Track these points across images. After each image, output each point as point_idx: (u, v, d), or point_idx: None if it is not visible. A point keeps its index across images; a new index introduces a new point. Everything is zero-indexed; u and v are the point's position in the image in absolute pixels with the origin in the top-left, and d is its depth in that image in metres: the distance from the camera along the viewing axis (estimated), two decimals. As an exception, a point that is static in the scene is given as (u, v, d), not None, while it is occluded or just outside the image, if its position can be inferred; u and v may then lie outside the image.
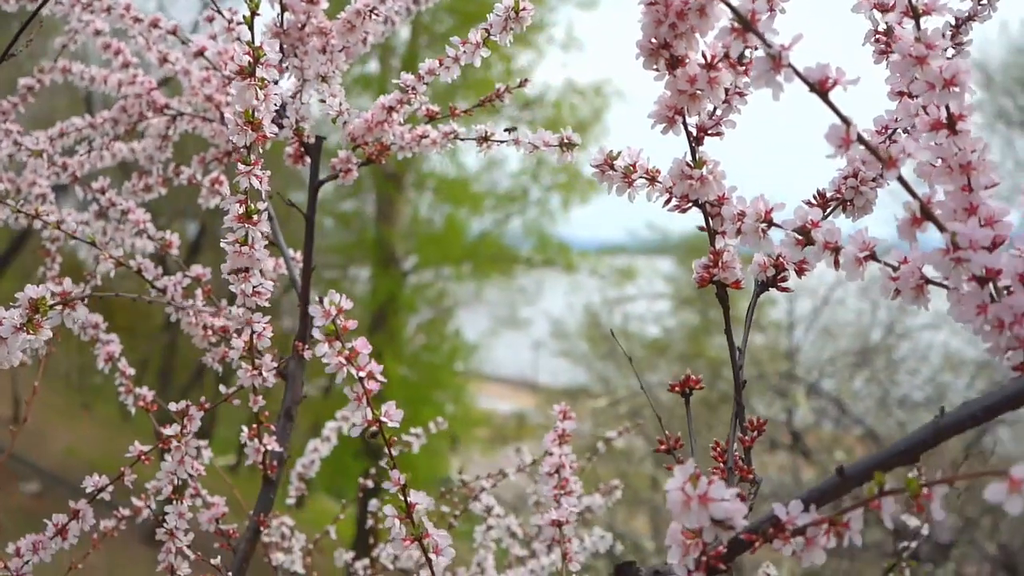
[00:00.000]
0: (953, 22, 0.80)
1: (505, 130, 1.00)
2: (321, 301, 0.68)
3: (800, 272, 0.74)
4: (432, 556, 0.71)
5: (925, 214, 0.56)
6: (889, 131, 0.75)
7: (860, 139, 0.55)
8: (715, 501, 0.54)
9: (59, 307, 0.71)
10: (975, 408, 0.54)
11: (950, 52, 0.78)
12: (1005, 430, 6.05)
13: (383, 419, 0.69)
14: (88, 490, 0.98)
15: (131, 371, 1.16)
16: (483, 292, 11.84)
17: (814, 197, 0.76)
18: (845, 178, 0.75)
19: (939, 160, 0.61)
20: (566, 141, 0.92)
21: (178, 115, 1.28)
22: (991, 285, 0.57)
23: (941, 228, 0.56)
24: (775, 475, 7.37)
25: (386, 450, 0.71)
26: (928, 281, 0.60)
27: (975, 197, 0.59)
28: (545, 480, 1.05)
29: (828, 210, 0.75)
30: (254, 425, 1.04)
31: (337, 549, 1.50)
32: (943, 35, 0.79)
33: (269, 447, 1.04)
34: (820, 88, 0.55)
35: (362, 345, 0.69)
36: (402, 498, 0.71)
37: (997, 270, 0.56)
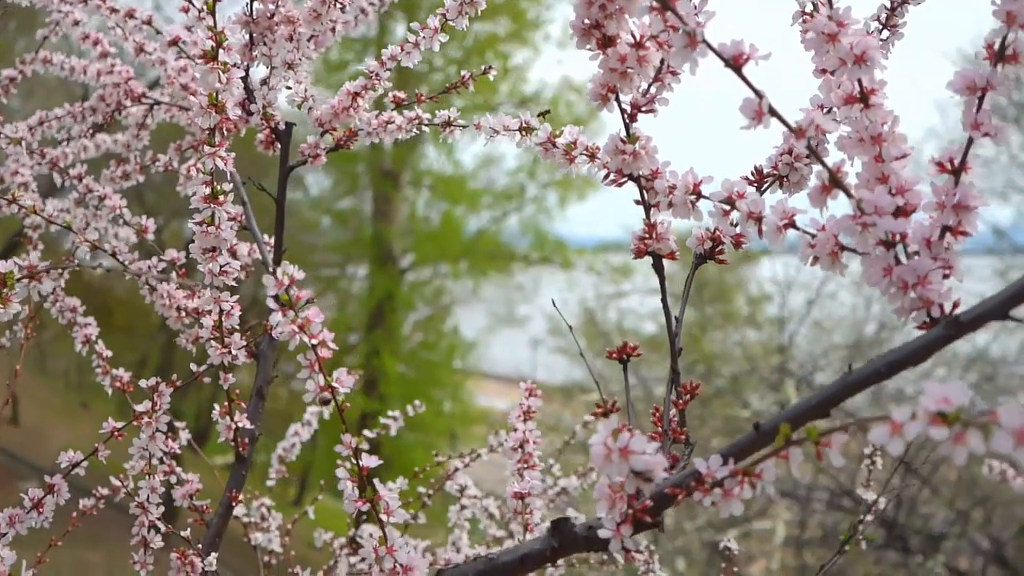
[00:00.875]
0: (889, 4, 0.83)
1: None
2: (275, 273, 0.71)
3: (737, 245, 0.77)
4: (383, 517, 0.74)
5: (834, 182, 0.60)
6: (824, 109, 0.78)
7: (772, 111, 0.59)
8: (635, 454, 0.57)
9: (26, 280, 0.74)
10: (879, 364, 0.57)
11: (885, 34, 0.82)
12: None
13: (335, 385, 0.72)
14: (63, 465, 1.02)
15: (108, 353, 1.19)
16: (480, 289, 11.88)
17: (751, 173, 0.79)
18: (781, 154, 0.78)
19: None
20: (525, 126, 0.95)
21: (155, 104, 1.31)
22: (899, 249, 0.60)
23: (849, 195, 0.59)
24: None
25: (340, 416, 0.74)
26: (843, 248, 0.63)
27: (886, 167, 0.62)
28: (509, 454, 1.09)
29: (764, 185, 0.78)
30: (225, 403, 1.07)
31: (316, 530, 1.53)
32: (878, 18, 0.83)
33: (240, 424, 1.08)
34: (735, 63, 0.58)
35: (315, 314, 0.72)
36: (354, 461, 0.74)
37: (903, 234, 0.59)
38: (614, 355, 0.76)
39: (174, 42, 1.19)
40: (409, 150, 11.27)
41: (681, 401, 0.71)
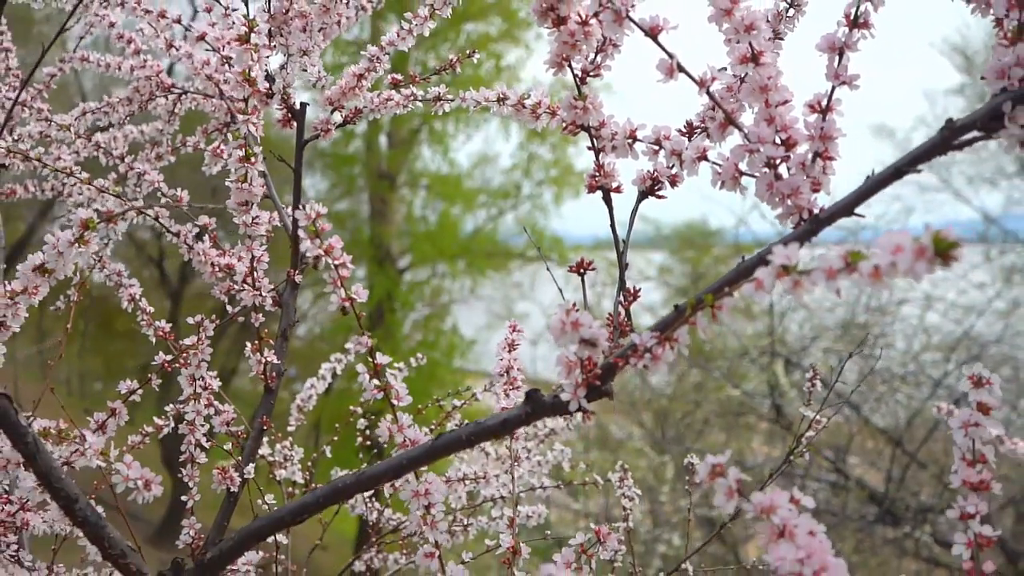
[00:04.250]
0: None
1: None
2: (304, 207, 0.90)
3: (673, 184, 0.96)
4: (394, 402, 0.93)
5: (728, 120, 0.79)
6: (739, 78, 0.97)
7: (680, 68, 0.78)
8: (583, 326, 0.76)
9: (104, 223, 0.93)
10: (763, 253, 0.76)
11: (791, 12, 1.01)
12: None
13: (354, 296, 0.91)
14: (122, 392, 1.20)
15: (151, 309, 1.38)
16: (478, 288, 12.06)
17: (684, 126, 0.98)
18: (707, 111, 0.97)
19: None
20: (501, 96, 1.14)
21: (183, 93, 1.50)
22: (784, 171, 0.79)
23: (740, 129, 0.78)
24: (763, 454, 7.62)
25: (356, 322, 0.93)
26: (742, 173, 0.82)
27: (773, 111, 0.81)
28: (496, 379, 1.28)
29: (693, 136, 0.97)
30: (256, 342, 1.26)
31: (333, 468, 1.71)
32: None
33: (269, 360, 1.26)
34: (652, 32, 0.77)
35: (336, 241, 0.91)
36: (371, 359, 0.93)
37: (784, 158, 0.78)
38: (572, 269, 0.95)
39: (201, 37, 1.38)
40: (405, 151, 11.47)
41: (627, 302, 0.90)
